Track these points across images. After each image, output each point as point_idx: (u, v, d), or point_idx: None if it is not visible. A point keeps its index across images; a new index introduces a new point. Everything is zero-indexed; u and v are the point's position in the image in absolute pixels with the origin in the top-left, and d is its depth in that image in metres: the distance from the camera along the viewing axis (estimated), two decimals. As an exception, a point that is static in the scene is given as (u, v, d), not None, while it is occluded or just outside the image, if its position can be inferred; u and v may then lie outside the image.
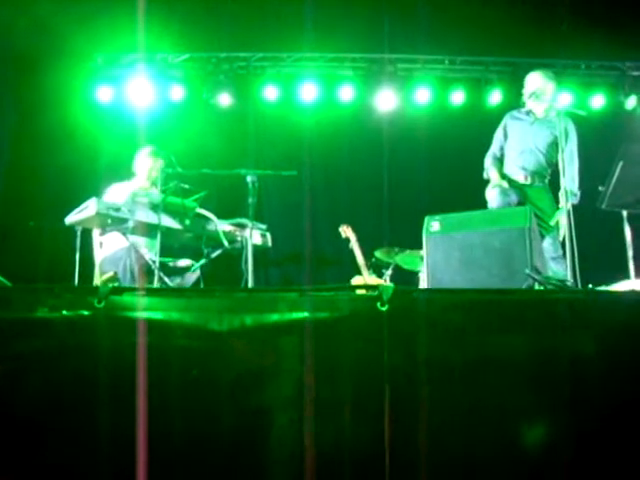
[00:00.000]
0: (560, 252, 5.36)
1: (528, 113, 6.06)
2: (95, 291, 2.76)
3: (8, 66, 7.92)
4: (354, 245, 7.53)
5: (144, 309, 2.71)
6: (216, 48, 9.27)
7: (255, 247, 5.64)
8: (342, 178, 9.14)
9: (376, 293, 2.74)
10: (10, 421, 2.63)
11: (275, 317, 2.71)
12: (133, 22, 7.72)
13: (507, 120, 6.14)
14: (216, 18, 8.65)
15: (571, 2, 8.43)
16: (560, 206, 5.36)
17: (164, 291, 3.55)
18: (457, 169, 8.28)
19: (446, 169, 8.64)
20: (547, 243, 5.51)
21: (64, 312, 2.70)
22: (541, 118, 5.97)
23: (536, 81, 6.00)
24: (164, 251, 5.46)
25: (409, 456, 2.61)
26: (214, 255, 5.73)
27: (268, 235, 6.02)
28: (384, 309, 2.70)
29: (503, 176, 5.92)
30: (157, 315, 2.70)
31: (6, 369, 2.65)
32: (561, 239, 5.47)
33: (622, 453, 2.62)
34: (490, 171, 5.98)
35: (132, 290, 2.79)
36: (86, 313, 2.70)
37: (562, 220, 5.41)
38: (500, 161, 6.04)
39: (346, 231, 7.63)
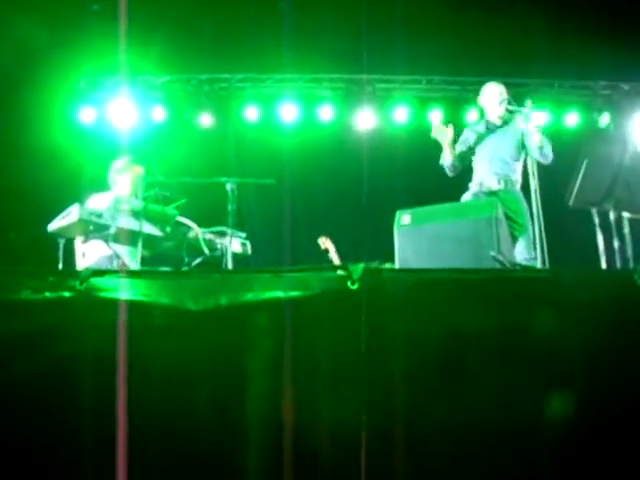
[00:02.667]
0: (533, 254, 5.48)
1: (487, 123, 6.27)
2: (76, 274, 2.86)
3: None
4: (333, 256, 7.66)
5: (123, 290, 2.80)
6: (197, 70, 9.46)
7: (235, 255, 5.72)
8: (322, 192, 9.26)
9: (346, 273, 2.85)
10: (-6, 399, 2.72)
11: (249, 296, 2.81)
12: (115, 45, 7.85)
13: (467, 134, 6.31)
14: (197, 40, 8.78)
15: (544, 23, 8.61)
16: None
17: (142, 273, 3.65)
18: (435, 186, 8.38)
19: (424, 186, 8.73)
20: (521, 246, 5.64)
21: (46, 294, 2.79)
22: (500, 125, 6.18)
23: (499, 89, 6.22)
24: (145, 260, 5.53)
25: (386, 424, 2.70)
26: (195, 263, 5.79)
27: (248, 244, 6.10)
28: (354, 287, 2.81)
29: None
30: (136, 296, 2.80)
31: (-11, 349, 2.74)
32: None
33: (595, 423, 2.73)
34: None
35: (112, 272, 2.89)
36: (68, 294, 2.79)
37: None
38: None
39: (325, 242, 7.76)
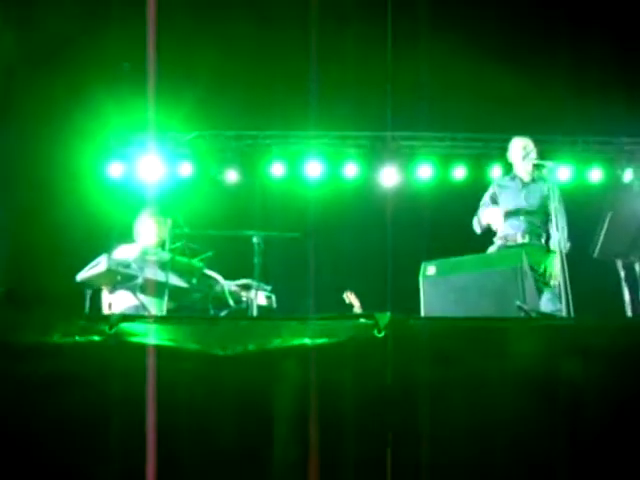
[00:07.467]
0: (559, 306, 5.44)
1: (514, 179, 6.31)
2: (106, 318, 2.91)
3: (22, 142, 8.20)
4: (358, 311, 7.66)
5: (152, 335, 2.84)
6: (224, 127, 9.61)
7: (260, 308, 5.75)
8: (347, 247, 9.25)
9: (372, 321, 2.88)
10: (25, 440, 2.74)
11: (277, 343, 2.84)
12: (144, 102, 8.01)
13: (495, 189, 6.37)
14: (224, 98, 8.93)
15: (567, 80, 8.69)
16: (552, 249, 5.52)
17: (171, 318, 3.69)
18: (459, 241, 8.40)
19: (448, 242, 8.73)
20: (546, 298, 5.63)
21: (77, 337, 2.84)
22: (528, 182, 6.21)
23: (522, 143, 6.27)
24: (170, 312, 5.56)
25: (411, 472, 2.70)
26: (220, 315, 5.82)
27: (273, 297, 6.12)
28: (380, 335, 2.84)
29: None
30: (164, 341, 2.84)
31: (21, 390, 2.78)
32: (556, 283, 5.59)
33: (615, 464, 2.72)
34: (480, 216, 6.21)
35: (141, 318, 2.94)
36: (97, 339, 2.84)
37: (556, 266, 5.60)
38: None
39: (350, 297, 7.77)
